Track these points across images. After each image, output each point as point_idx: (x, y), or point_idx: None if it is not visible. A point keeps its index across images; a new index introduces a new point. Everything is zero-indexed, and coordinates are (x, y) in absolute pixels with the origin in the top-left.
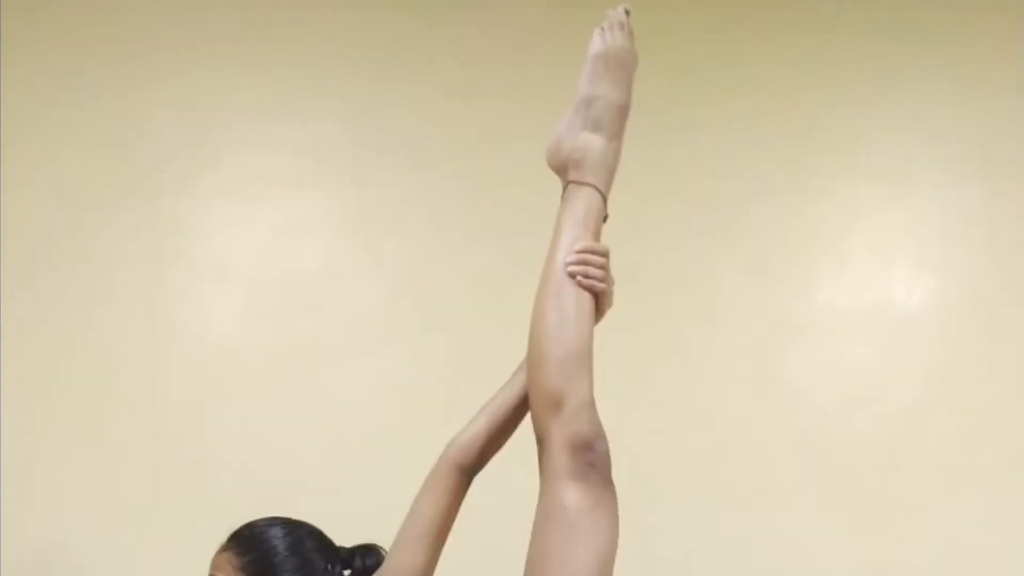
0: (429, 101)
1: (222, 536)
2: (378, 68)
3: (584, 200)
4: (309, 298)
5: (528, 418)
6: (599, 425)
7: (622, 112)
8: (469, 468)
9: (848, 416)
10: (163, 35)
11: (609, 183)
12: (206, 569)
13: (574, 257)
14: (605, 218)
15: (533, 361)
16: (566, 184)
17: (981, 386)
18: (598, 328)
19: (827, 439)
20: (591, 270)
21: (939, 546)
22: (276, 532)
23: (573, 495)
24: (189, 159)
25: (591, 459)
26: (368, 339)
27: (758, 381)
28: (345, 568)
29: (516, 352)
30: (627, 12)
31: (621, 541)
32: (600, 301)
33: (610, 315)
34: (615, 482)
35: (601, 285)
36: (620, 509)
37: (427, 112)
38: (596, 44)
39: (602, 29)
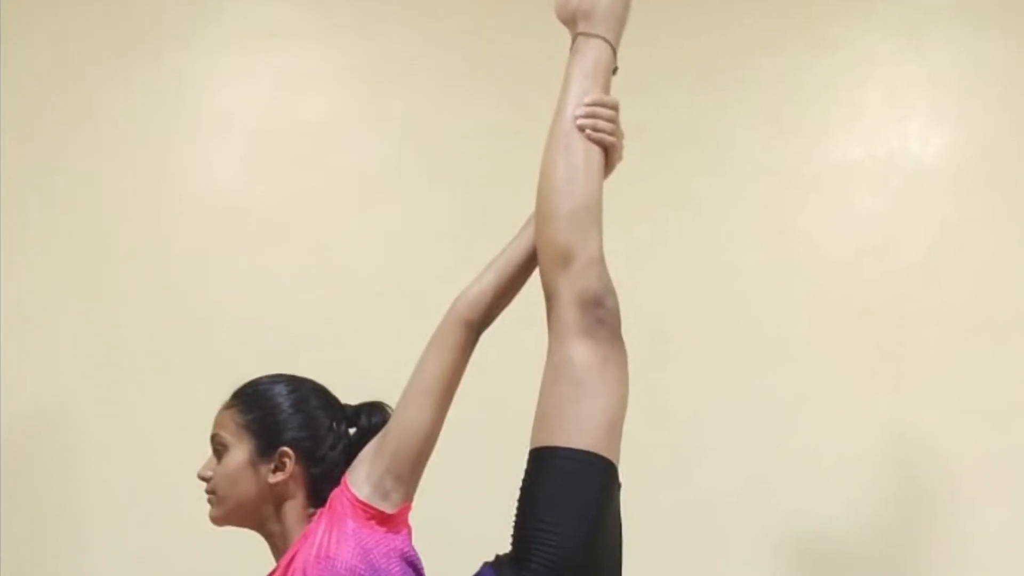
0: None
1: (225, 393)
2: None
3: (593, 52)
4: (313, 151)
5: (536, 274)
6: (608, 281)
7: None
8: (476, 324)
9: (862, 269)
10: None
11: (619, 35)
12: (209, 427)
13: (583, 110)
14: (615, 70)
15: (541, 216)
16: (575, 36)
17: (996, 240)
18: (607, 182)
19: (840, 293)
20: (600, 123)
21: (954, 401)
22: (280, 389)
23: (582, 352)
24: (192, 10)
25: (600, 315)
26: (373, 193)
27: (770, 235)
28: (350, 426)
29: (524, 207)
30: None
31: (630, 399)
32: (609, 155)
33: (619, 169)
34: (624, 339)
35: (610, 138)
36: (629, 366)
37: None
38: None
39: None
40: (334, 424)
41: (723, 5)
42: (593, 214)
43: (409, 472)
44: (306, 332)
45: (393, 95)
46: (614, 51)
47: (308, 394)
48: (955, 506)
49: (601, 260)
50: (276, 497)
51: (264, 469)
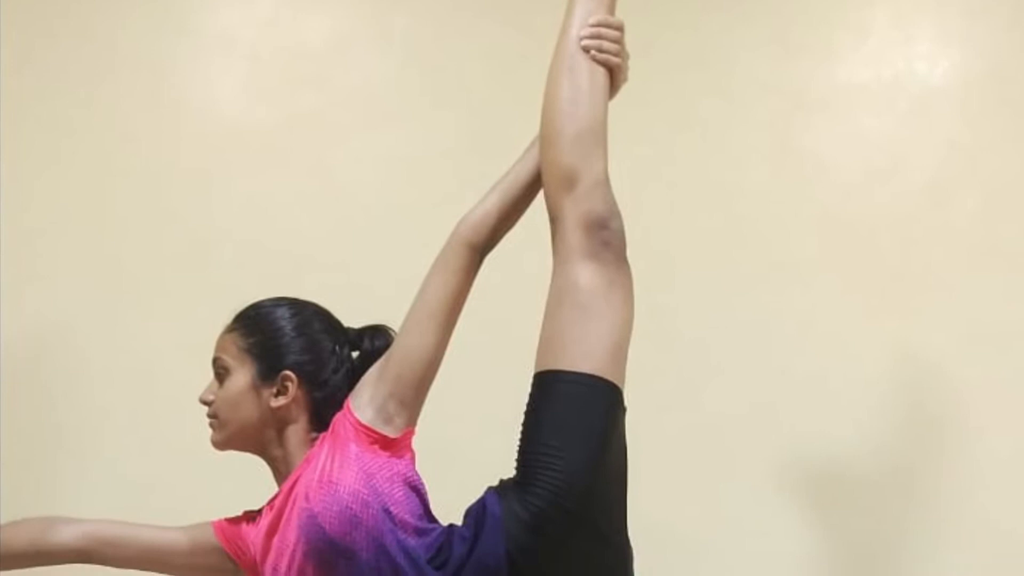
0: None
1: (227, 316)
2: None
3: None
4: (316, 72)
5: (540, 196)
6: (613, 203)
7: None
8: (480, 246)
9: (869, 191)
10: None
11: None
12: (211, 350)
13: (588, 31)
14: None
15: (546, 138)
16: None
17: (1004, 161)
18: (612, 104)
19: (847, 215)
20: (605, 44)
21: (962, 324)
22: (283, 312)
23: (587, 275)
24: None
25: (605, 237)
26: (376, 115)
27: (777, 157)
28: (353, 349)
29: (528, 129)
30: None
31: (636, 322)
32: (614, 76)
33: (624, 90)
34: (630, 262)
35: (616, 59)
36: (635, 290)
37: None
38: None
39: None
40: (337, 348)
41: None
42: (598, 136)
43: (412, 396)
44: (308, 255)
45: (396, 15)
46: None
47: (311, 317)
48: (963, 429)
49: (606, 182)
50: (278, 421)
51: (266, 393)
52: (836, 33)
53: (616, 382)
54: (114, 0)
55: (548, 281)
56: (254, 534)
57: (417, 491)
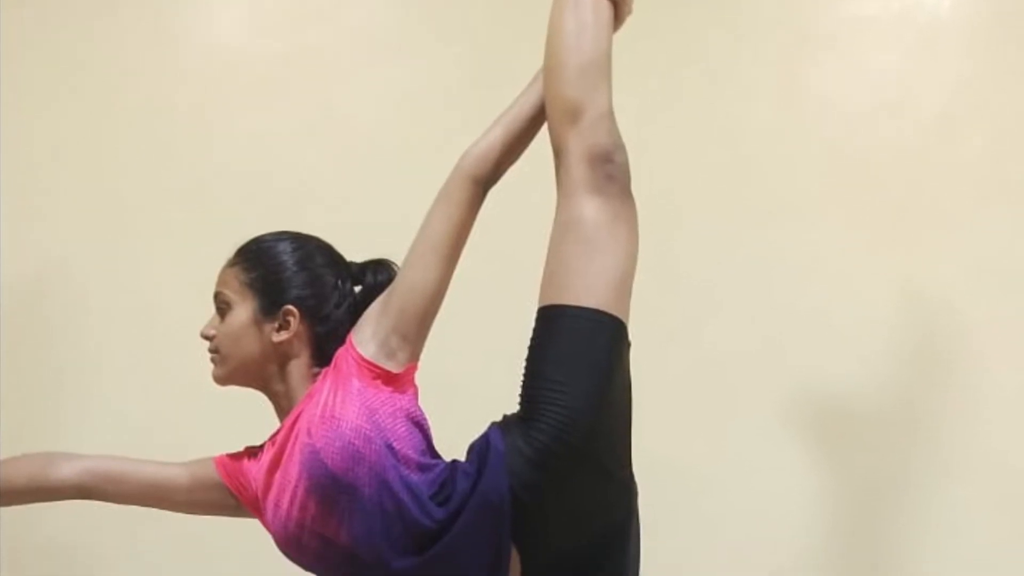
0: None
1: (228, 251)
2: None
3: None
4: (318, 7)
5: (544, 130)
6: (618, 136)
7: None
8: (484, 180)
9: (876, 125)
10: None
11: None
12: (212, 285)
13: None
14: None
15: (550, 70)
16: None
17: (1013, 95)
18: (616, 37)
19: (854, 150)
20: None
21: (968, 259)
22: (285, 247)
23: (591, 209)
24: None
25: (610, 171)
26: (379, 49)
27: (783, 92)
28: (356, 284)
29: (532, 63)
30: None
31: (640, 258)
32: (619, 8)
33: (629, 23)
34: (634, 196)
35: None
36: (639, 224)
37: None
38: None
39: None
40: (339, 282)
41: None
42: (602, 68)
43: (415, 331)
44: (311, 190)
45: None
46: None
47: (313, 252)
48: (969, 365)
49: (611, 115)
50: (280, 356)
51: (268, 328)
52: None
53: (621, 317)
54: None
55: (552, 215)
56: (256, 470)
57: (420, 426)
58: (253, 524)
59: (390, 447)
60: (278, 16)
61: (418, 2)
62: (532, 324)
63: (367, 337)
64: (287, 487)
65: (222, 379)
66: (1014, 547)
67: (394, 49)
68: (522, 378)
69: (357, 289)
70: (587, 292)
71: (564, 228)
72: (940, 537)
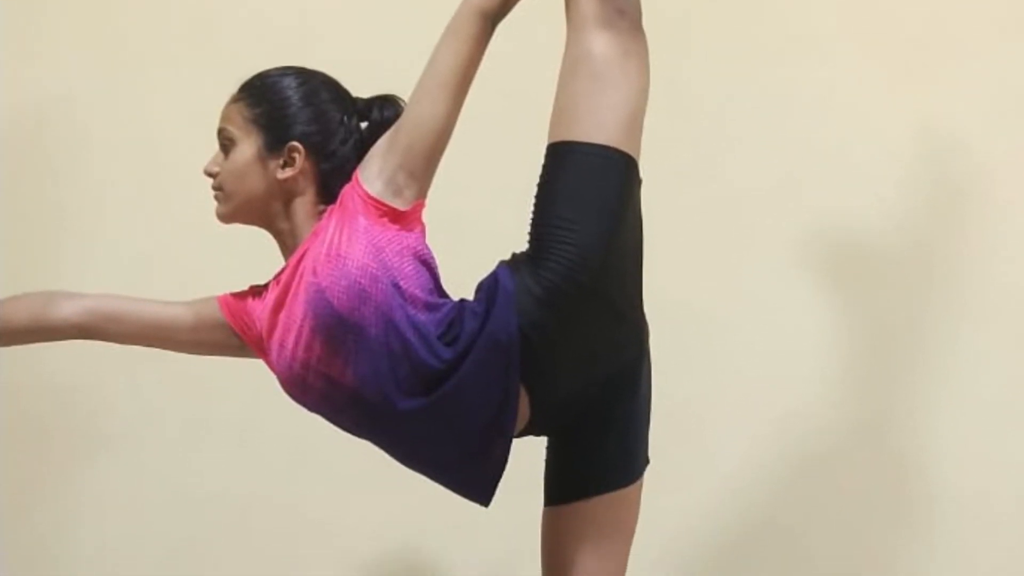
0: None
1: (232, 87)
2: None
3: None
4: None
5: None
6: None
7: None
8: (492, 15)
9: None
10: None
11: None
12: (216, 121)
13: None
14: None
15: None
16: None
17: None
18: None
19: None
20: None
21: (987, 94)
22: (289, 82)
23: (601, 44)
24: None
25: (620, 5)
26: None
27: None
28: (362, 120)
29: None
30: None
31: (651, 94)
32: None
33: None
34: (645, 30)
35: None
36: (651, 59)
37: None
38: None
39: None
40: (345, 118)
41: None
42: None
43: (422, 167)
44: (316, 27)
45: None
46: None
47: (318, 87)
48: (987, 202)
49: None
50: (285, 193)
51: (272, 164)
52: None
53: (631, 153)
54: None
55: (562, 50)
56: (260, 309)
57: (427, 265)
58: (256, 365)
59: (397, 286)
60: None
61: None
62: (541, 161)
63: (373, 174)
64: (292, 327)
65: (226, 217)
66: None
67: None
68: (531, 216)
69: (363, 125)
70: (597, 128)
71: (573, 64)
72: (957, 378)
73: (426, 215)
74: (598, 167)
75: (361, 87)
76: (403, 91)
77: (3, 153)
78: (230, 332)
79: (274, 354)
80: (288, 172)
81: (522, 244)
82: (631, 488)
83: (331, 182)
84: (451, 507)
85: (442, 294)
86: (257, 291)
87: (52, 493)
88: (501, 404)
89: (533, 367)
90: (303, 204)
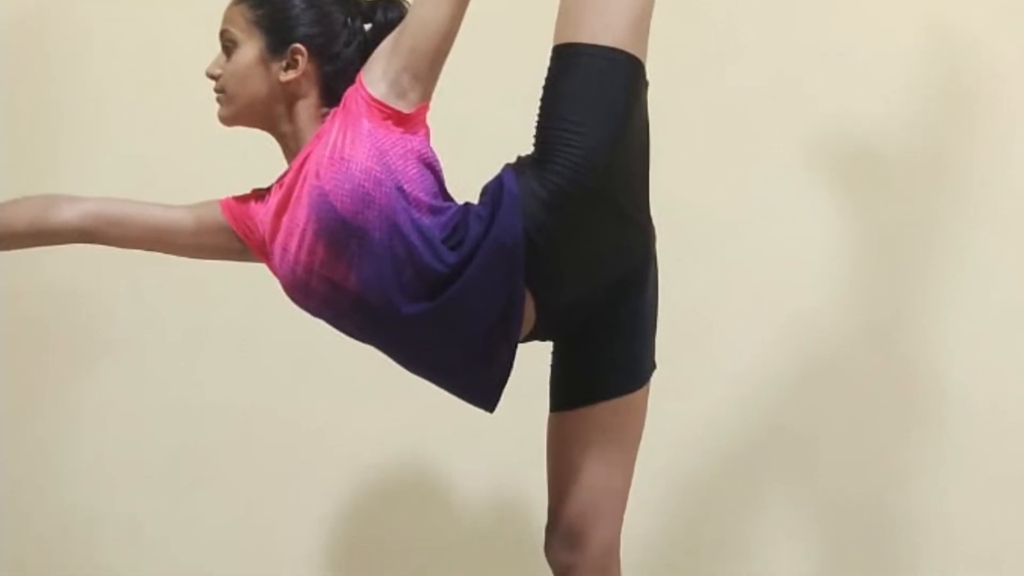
0: None
1: None
2: None
3: None
4: None
5: None
6: None
7: None
8: None
9: None
10: None
11: None
12: (218, 22)
13: None
14: None
15: None
16: None
17: None
18: None
19: None
20: None
21: None
22: None
23: None
24: None
25: None
26: None
27: None
28: (365, 22)
29: None
30: None
31: None
32: None
33: None
34: None
35: None
36: None
37: None
38: None
39: None
40: (348, 20)
41: None
42: None
43: (427, 69)
44: None
45: None
46: None
47: None
48: (997, 104)
49: None
50: (288, 96)
51: (275, 67)
52: None
53: (638, 55)
54: None
55: None
56: (263, 213)
57: (432, 168)
58: (258, 269)
59: (401, 189)
60: None
61: None
62: (547, 63)
63: (377, 76)
64: (295, 231)
65: (228, 119)
66: None
67: None
68: (536, 119)
69: (367, 27)
70: (604, 30)
71: None
72: (966, 284)
73: (430, 118)
74: (604, 69)
75: None
76: None
77: (3, 54)
78: (232, 236)
79: (277, 258)
80: (291, 74)
81: (527, 147)
82: (637, 394)
83: (334, 85)
84: (455, 414)
85: (447, 198)
86: (260, 195)
87: (52, 399)
88: (506, 308)
89: (538, 271)
90: (306, 107)
